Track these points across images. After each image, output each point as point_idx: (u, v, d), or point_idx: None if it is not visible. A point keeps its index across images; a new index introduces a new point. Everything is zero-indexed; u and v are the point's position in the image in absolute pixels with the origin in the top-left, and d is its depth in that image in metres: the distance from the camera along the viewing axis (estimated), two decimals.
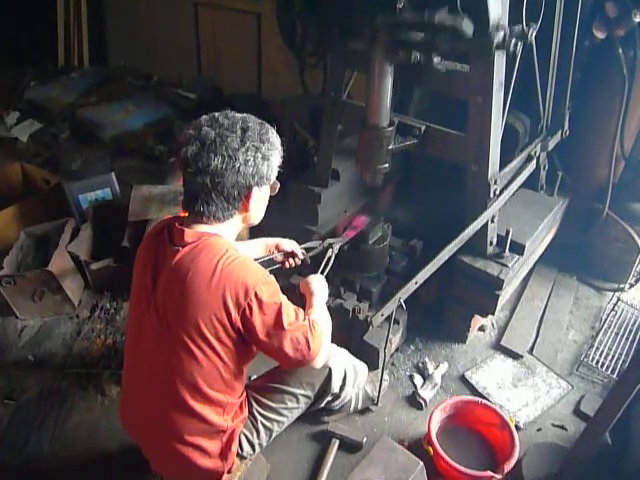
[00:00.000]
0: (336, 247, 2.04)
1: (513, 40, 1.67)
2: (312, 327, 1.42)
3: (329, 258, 1.97)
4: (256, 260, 1.84)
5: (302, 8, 2.07)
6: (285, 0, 2.23)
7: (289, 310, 1.39)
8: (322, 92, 2.41)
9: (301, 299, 1.68)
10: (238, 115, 1.34)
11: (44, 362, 2.32)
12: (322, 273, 1.88)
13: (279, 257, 1.90)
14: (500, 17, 1.60)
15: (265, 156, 1.32)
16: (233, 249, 1.36)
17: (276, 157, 1.37)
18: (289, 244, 1.90)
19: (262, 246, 1.88)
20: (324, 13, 1.92)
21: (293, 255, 1.89)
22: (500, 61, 1.75)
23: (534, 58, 2.01)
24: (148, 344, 1.42)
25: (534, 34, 1.76)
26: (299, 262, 1.89)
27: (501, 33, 1.62)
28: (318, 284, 1.71)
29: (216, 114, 1.33)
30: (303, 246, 1.95)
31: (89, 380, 2.21)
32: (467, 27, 1.57)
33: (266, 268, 1.84)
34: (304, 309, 1.56)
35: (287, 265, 1.90)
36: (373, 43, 1.73)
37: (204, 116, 1.33)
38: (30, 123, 4.33)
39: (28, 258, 2.67)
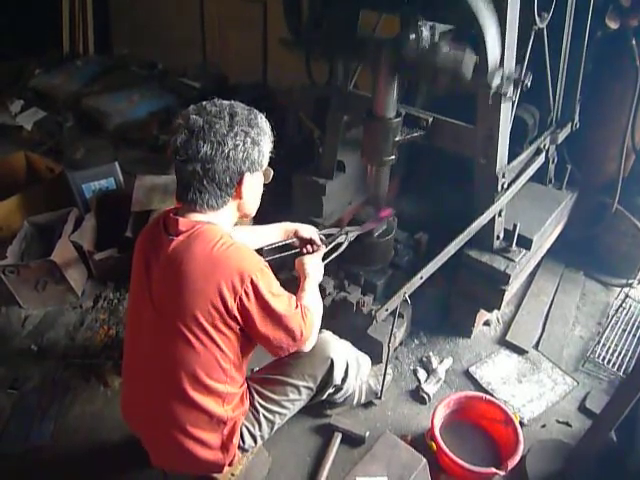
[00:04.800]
0: (351, 235, 1.99)
1: (510, 87, 1.69)
2: (304, 314, 1.45)
3: (339, 244, 1.92)
4: (273, 245, 1.84)
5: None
6: None
7: (284, 298, 1.40)
8: (328, 82, 2.37)
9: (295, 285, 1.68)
10: (225, 102, 1.33)
11: (47, 352, 2.32)
12: (328, 256, 1.84)
13: (296, 242, 1.87)
14: (498, 60, 1.58)
15: (255, 141, 1.31)
16: (227, 236, 1.35)
17: (266, 142, 1.36)
18: (308, 231, 1.86)
19: (281, 231, 1.86)
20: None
21: (311, 242, 1.86)
22: None
23: (545, 49, 1.97)
24: (146, 334, 1.41)
25: (529, 80, 1.77)
26: (317, 249, 1.85)
27: (499, 78, 1.61)
28: (312, 266, 1.70)
29: (204, 102, 1.33)
30: (322, 232, 1.91)
31: (91, 371, 2.21)
32: (467, 70, 1.56)
33: (283, 253, 1.85)
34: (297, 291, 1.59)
35: (304, 251, 1.86)
36: (377, 60, 1.76)
37: (192, 105, 1.33)
38: (34, 111, 4.31)
39: (31, 248, 2.66)
